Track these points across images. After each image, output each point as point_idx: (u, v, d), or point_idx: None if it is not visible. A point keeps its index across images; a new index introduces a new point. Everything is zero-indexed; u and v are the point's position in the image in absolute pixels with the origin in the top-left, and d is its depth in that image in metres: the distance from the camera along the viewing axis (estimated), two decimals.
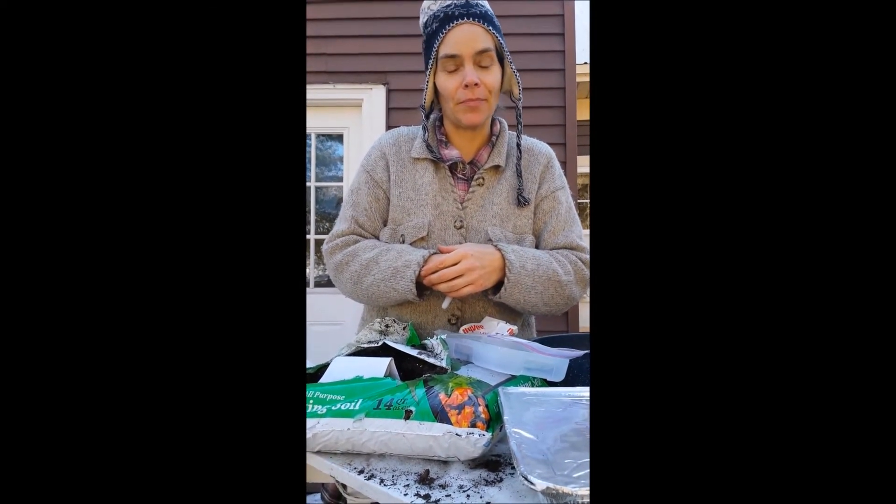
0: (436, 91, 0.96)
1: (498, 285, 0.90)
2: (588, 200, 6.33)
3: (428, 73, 0.93)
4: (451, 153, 0.99)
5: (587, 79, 5.44)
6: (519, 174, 0.98)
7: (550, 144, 1.10)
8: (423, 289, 0.91)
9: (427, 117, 0.99)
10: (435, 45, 0.90)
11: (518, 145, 1.00)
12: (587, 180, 6.23)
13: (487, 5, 0.93)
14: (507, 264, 0.88)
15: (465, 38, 0.88)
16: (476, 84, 0.89)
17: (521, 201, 0.97)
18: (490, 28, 0.90)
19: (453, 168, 0.99)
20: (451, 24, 0.88)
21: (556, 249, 0.98)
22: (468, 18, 0.88)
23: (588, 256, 0.98)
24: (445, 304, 0.90)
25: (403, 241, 0.96)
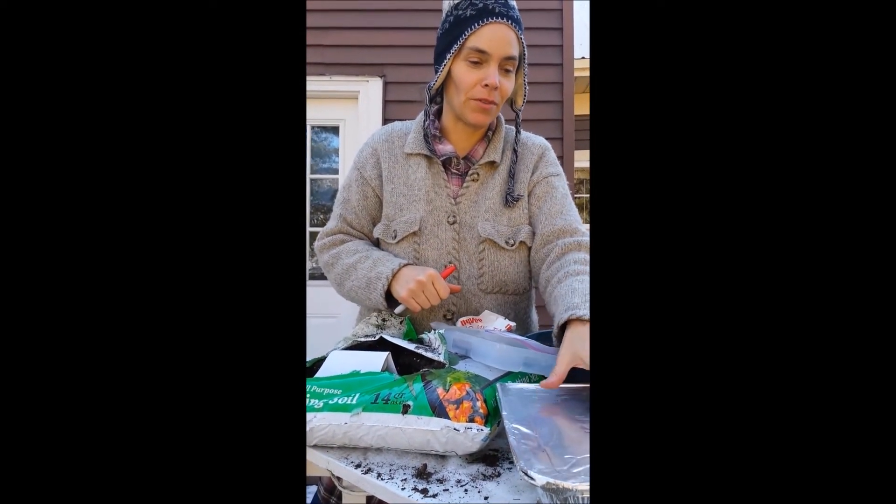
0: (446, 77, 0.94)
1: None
2: (587, 195, 6.33)
3: (449, 56, 0.90)
4: (444, 148, 0.98)
5: (585, 73, 5.43)
6: (511, 175, 0.97)
7: (548, 139, 1.10)
8: (395, 300, 0.90)
9: (431, 101, 0.97)
10: (466, 33, 0.88)
11: (514, 150, 0.98)
12: (585, 175, 6.23)
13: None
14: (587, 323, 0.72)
15: (500, 38, 0.87)
16: (496, 87, 0.88)
17: (508, 201, 0.96)
18: (521, 37, 0.90)
19: (447, 163, 0.98)
20: (490, 19, 0.86)
21: (556, 236, 0.93)
22: (506, 19, 0.87)
23: (586, 240, 0.92)
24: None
25: (396, 237, 0.96)
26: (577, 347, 0.65)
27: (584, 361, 0.63)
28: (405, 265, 0.89)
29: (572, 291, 0.75)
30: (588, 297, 0.73)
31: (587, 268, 0.82)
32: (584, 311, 0.69)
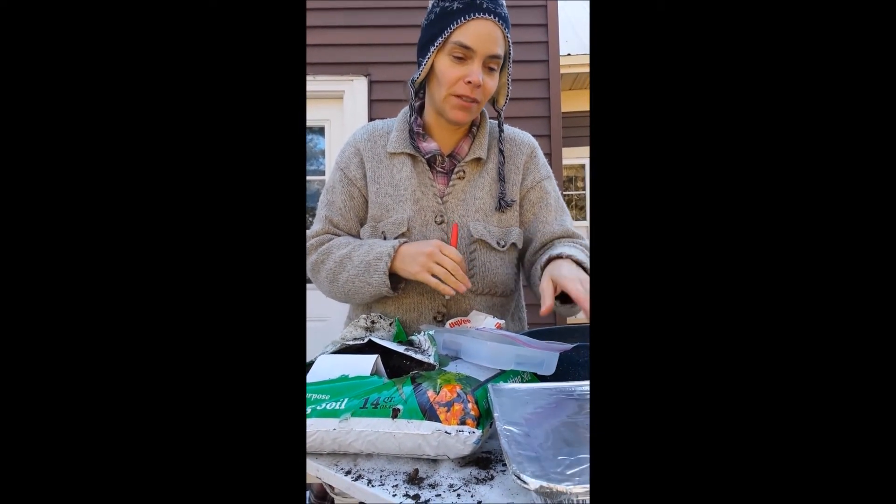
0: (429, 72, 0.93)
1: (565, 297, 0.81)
2: (573, 192, 6.37)
3: (433, 49, 0.88)
4: (428, 146, 0.96)
5: (571, 70, 5.45)
6: (501, 179, 0.96)
7: (535, 136, 1.09)
8: (397, 281, 0.89)
9: (416, 95, 0.96)
10: (452, 27, 0.85)
11: (500, 150, 0.97)
12: (572, 172, 6.26)
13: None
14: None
15: (486, 35, 0.85)
16: (479, 85, 0.86)
17: (501, 206, 0.95)
18: (508, 35, 0.88)
19: (431, 161, 0.96)
20: (477, 14, 0.84)
21: (554, 240, 0.95)
22: (493, 16, 0.85)
23: (586, 242, 0.96)
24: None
25: (385, 239, 0.93)
26: (553, 272, 0.75)
27: (561, 283, 0.72)
28: (404, 242, 0.88)
29: (553, 248, 0.87)
30: (573, 252, 0.82)
31: (574, 247, 0.89)
32: (562, 249, 0.81)
